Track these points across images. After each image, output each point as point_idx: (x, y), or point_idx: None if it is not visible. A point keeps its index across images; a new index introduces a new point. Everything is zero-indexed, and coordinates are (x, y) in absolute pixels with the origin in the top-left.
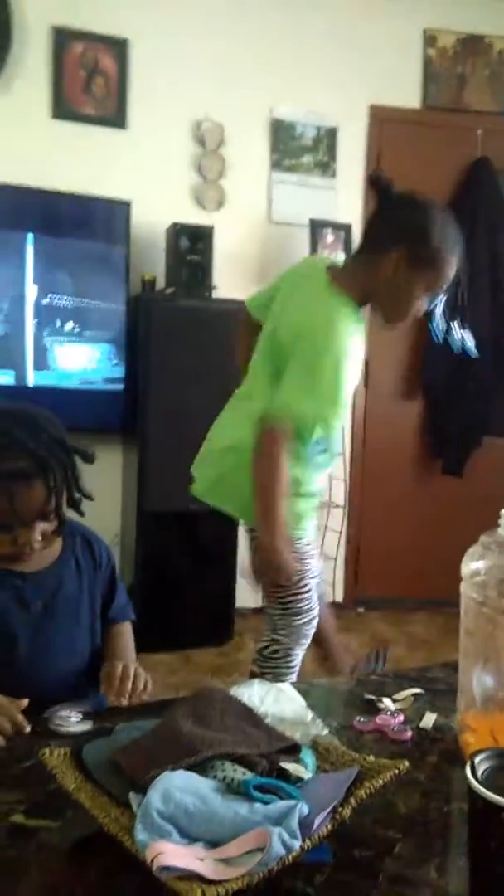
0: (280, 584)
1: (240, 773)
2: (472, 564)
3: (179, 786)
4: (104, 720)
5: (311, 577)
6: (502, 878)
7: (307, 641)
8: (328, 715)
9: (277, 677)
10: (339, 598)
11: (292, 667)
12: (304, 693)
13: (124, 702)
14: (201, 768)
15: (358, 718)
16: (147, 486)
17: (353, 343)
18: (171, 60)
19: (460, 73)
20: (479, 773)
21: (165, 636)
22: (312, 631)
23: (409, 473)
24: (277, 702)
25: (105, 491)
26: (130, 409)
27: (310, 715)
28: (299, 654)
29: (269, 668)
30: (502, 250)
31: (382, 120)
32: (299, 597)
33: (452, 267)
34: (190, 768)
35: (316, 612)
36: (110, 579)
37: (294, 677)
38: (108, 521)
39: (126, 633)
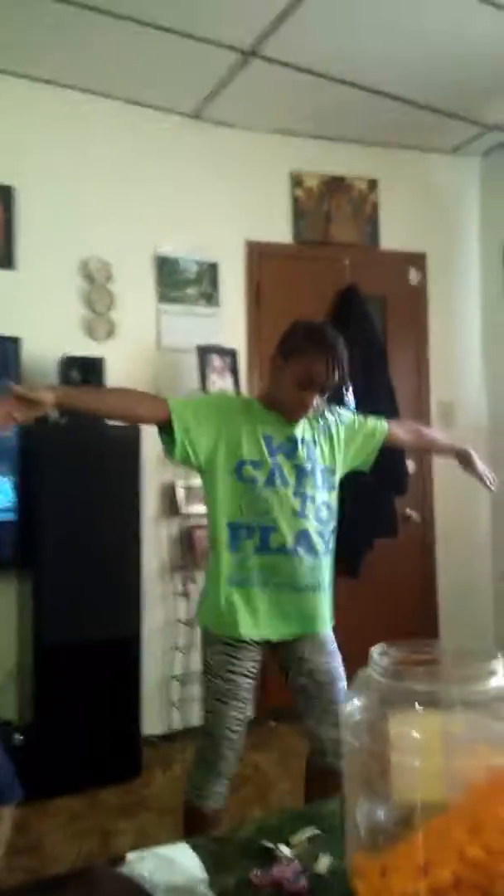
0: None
1: None
2: (349, 703)
3: None
4: None
5: (226, 699)
6: None
7: (210, 767)
8: (228, 870)
9: (188, 797)
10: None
11: (196, 788)
12: (202, 848)
13: None
14: None
15: (255, 872)
16: (43, 618)
17: (232, 409)
18: (57, 205)
19: (326, 209)
20: None
21: (68, 777)
22: (218, 760)
23: None
24: (170, 871)
25: None
26: (24, 541)
27: (202, 884)
28: (207, 777)
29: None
30: (373, 367)
31: (259, 253)
32: (205, 709)
33: (316, 361)
34: None
35: (224, 739)
36: None
37: (207, 803)
38: (2, 656)
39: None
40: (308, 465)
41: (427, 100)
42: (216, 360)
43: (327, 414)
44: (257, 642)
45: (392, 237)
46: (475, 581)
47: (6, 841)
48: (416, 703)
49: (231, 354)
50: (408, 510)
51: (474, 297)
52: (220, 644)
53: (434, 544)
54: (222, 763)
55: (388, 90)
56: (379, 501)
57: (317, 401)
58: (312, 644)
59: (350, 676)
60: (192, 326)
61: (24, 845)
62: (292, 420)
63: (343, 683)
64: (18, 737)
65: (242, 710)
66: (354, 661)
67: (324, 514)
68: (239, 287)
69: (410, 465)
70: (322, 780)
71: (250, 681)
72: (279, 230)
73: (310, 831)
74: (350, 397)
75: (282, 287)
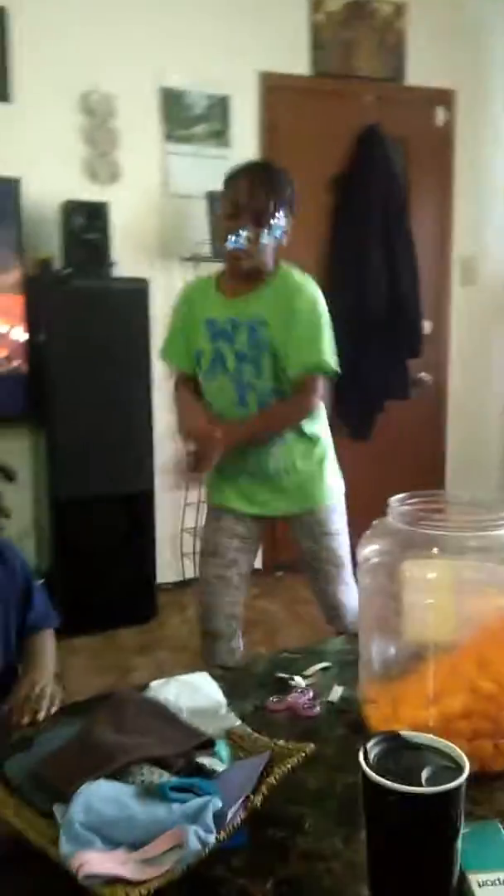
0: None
1: (157, 776)
2: (366, 548)
3: (100, 795)
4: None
5: (204, 556)
6: (394, 849)
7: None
8: (245, 698)
9: None
10: (259, 563)
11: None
12: (222, 678)
13: (26, 719)
14: (121, 774)
15: (271, 699)
16: (57, 472)
17: (185, 309)
18: (55, 30)
19: (348, 38)
20: (371, 756)
21: (88, 619)
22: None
23: None
24: (193, 696)
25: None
26: (35, 394)
27: (224, 707)
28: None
29: None
30: (394, 218)
31: (273, 87)
32: None
33: (237, 184)
34: (110, 775)
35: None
36: (25, 586)
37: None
38: (20, 508)
39: (45, 645)
40: (248, 351)
41: None
42: None
43: (284, 287)
44: (234, 511)
45: (419, 72)
46: (484, 445)
47: (55, 658)
48: (432, 548)
49: None
50: (422, 374)
51: None
52: (210, 509)
53: (446, 406)
54: (203, 612)
55: None
56: (393, 364)
57: (247, 233)
58: (300, 526)
59: (365, 527)
60: (202, 170)
61: None
62: (233, 276)
63: (335, 568)
64: (39, 580)
65: (221, 566)
66: (367, 513)
67: (272, 401)
68: (252, 125)
69: (427, 326)
70: None
71: (236, 542)
72: (295, 61)
73: (323, 664)
74: (280, 221)
75: (298, 125)
